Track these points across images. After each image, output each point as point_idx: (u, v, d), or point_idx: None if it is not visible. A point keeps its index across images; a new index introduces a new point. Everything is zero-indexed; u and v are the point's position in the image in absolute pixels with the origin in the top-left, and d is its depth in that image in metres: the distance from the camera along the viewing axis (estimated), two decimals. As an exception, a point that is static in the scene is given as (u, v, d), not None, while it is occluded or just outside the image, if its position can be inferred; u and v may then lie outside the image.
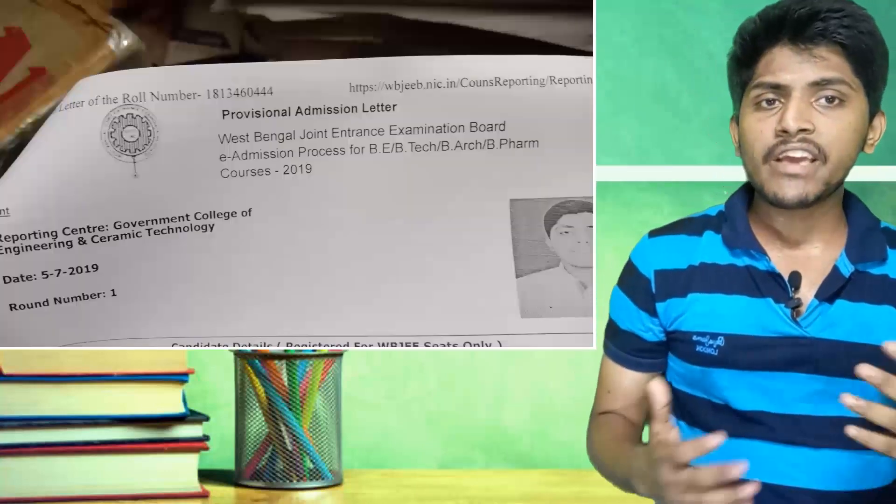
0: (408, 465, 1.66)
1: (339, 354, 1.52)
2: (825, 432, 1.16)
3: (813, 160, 1.13)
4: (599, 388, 1.31)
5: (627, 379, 1.28)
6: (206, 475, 1.50)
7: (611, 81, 1.65)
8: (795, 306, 1.18)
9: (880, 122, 1.19)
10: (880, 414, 1.04)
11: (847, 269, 1.18)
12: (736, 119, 1.22)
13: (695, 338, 1.21)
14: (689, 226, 1.26)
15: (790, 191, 1.14)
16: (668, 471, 1.04)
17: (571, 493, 1.48)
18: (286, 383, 1.49)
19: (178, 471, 1.43)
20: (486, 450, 1.67)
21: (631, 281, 1.26)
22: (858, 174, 1.62)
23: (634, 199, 1.65)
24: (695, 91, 1.67)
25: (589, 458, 1.31)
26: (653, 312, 1.24)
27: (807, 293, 1.19)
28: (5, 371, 1.39)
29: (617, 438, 1.25)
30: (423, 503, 1.45)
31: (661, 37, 1.66)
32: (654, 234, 1.27)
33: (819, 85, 1.13)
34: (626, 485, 1.18)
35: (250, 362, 1.50)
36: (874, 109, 1.18)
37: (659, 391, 1.06)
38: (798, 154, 1.14)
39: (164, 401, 1.43)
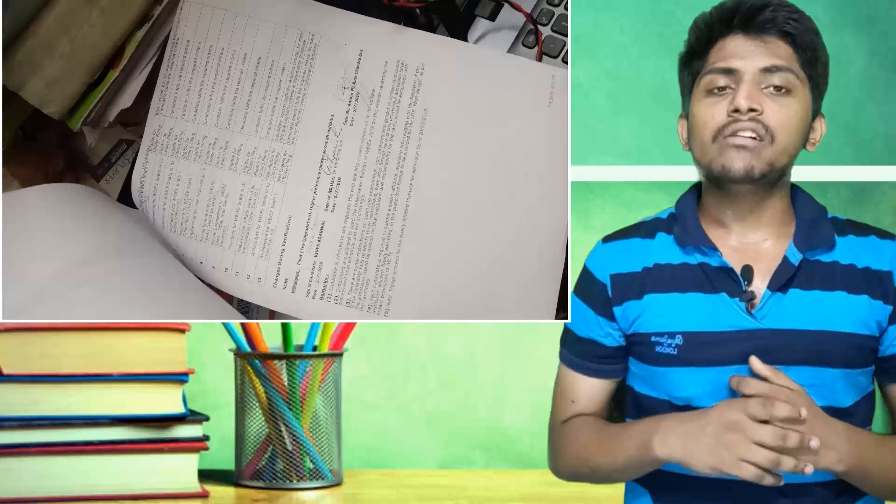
0: (408, 465, 1.66)
1: (340, 354, 1.52)
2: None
3: (760, 139, 1.17)
4: (561, 399, 1.30)
5: (591, 387, 1.29)
6: (206, 475, 1.50)
7: (611, 81, 1.65)
8: (749, 299, 1.20)
9: (821, 125, 1.23)
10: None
11: (796, 257, 1.20)
12: (685, 116, 1.24)
13: (653, 339, 1.22)
14: (642, 229, 1.28)
15: (737, 162, 1.17)
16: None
17: (571, 493, 1.47)
18: (286, 383, 1.49)
19: (178, 471, 1.43)
20: (486, 450, 1.67)
21: (587, 287, 1.27)
22: (858, 174, 1.63)
23: (634, 199, 1.65)
24: (695, 91, 1.67)
25: (559, 468, 1.30)
26: (611, 317, 1.25)
27: (760, 285, 1.21)
28: (5, 371, 1.38)
29: (608, 426, 1.25)
30: (423, 503, 1.45)
31: (661, 37, 1.66)
32: (607, 239, 1.29)
33: (769, 71, 1.17)
34: (633, 461, 1.19)
35: (250, 362, 1.50)
36: (816, 110, 1.22)
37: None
38: (747, 134, 1.17)
39: (164, 401, 1.43)
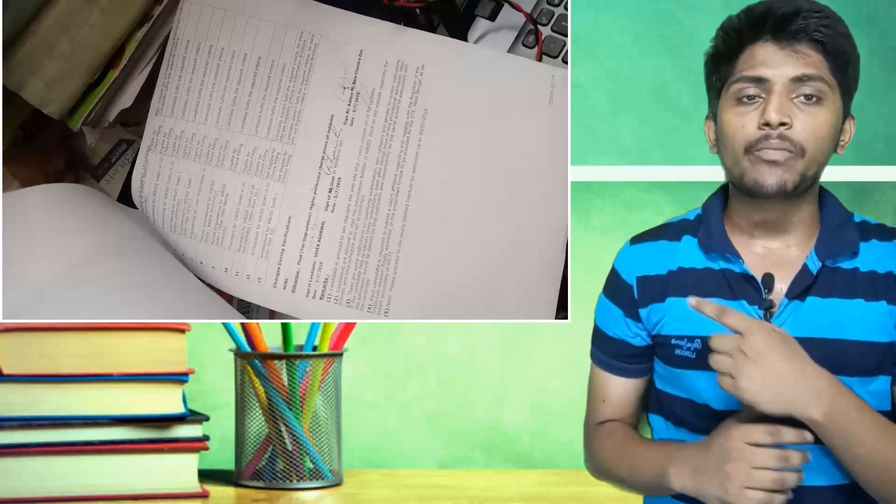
0: (408, 465, 1.66)
1: (340, 354, 1.52)
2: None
3: (790, 153, 1.16)
4: (593, 398, 1.32)
5: (620, 386, 1.30)
6: (206, 475, 1.50)
7: (611, 81, 1.65)
8: (768, 307, 1.19)
9: (850, 126, 1.22)
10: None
11: (815, 265, 1.19)
12: (713, 117, 1.23)
13: (673, 341, 1.23)
14: (669, 231, 1.28)
15: (770, 178, 1.16)
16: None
17: (571, 493, 1.48)
18: (286, 383, 1.49)
19: (178, 471, 1.43)
20: (486, 450, 1.67)
21: (615, 288, 1.28)
22: (859, 174, 1.63)
23: (634, 199, 1.65)
24: (695, 91, 1.66)
25: (591, 468, 1.32)
26: (637, 318, 1.26)
27: (780, 293, 1.20)
28: (5, 371, 1.38)
29: (634, 441, 1.26)
30: (423, 503, 1.45)
31: (661, 37, 1.66)
32: (635, 240, 1.29)
33: (800, 81, 1.16)
34: (652, 483, 1.19)
35: (250, 362, 1.50)
36: (846, 112, 1.21)
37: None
38: (777, 153, 1.16)
39: (164, 401, 1.43)
